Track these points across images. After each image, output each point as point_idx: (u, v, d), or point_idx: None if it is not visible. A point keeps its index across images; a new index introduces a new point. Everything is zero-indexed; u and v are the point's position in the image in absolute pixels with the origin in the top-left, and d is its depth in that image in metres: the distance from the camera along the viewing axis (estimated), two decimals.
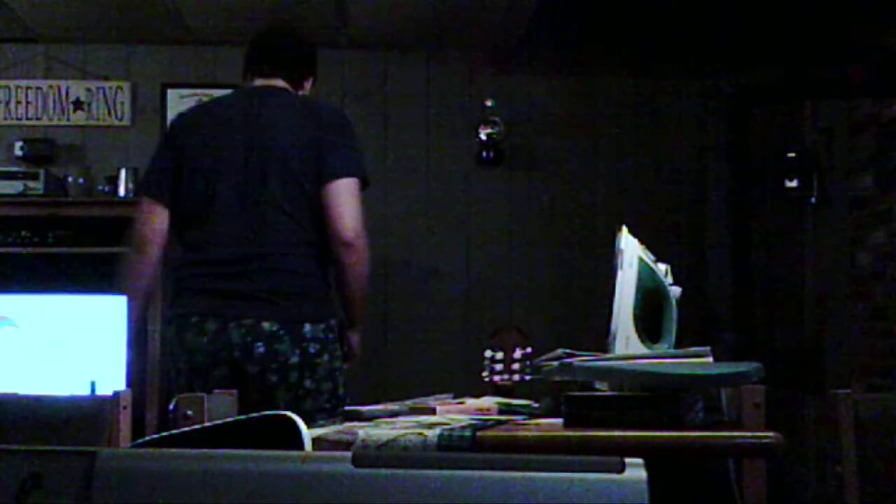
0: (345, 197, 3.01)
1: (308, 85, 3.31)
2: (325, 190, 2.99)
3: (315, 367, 3.02)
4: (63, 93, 5.29)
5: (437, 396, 2.38)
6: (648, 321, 2.17)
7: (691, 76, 5.46)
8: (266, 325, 2.97)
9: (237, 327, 2.98)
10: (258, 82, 3.22)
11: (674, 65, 5.43)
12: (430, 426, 1.82)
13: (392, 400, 2.36)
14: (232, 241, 3.05)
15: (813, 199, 5.10)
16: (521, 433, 1.81)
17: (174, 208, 3.11)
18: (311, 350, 3.01)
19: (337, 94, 5.39)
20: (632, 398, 1.86)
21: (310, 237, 3.06)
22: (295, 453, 0.95)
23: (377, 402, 2.31)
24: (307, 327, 3.01)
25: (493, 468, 0.88)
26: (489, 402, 2.22)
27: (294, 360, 2.99)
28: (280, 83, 3.21)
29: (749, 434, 1.81)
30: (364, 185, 3.11)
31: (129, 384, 4.43)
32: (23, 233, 4.85)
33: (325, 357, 3.04)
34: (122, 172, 4.96)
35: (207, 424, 1.11)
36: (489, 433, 1.77)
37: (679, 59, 5.39)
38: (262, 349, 2.97)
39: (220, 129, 3.12)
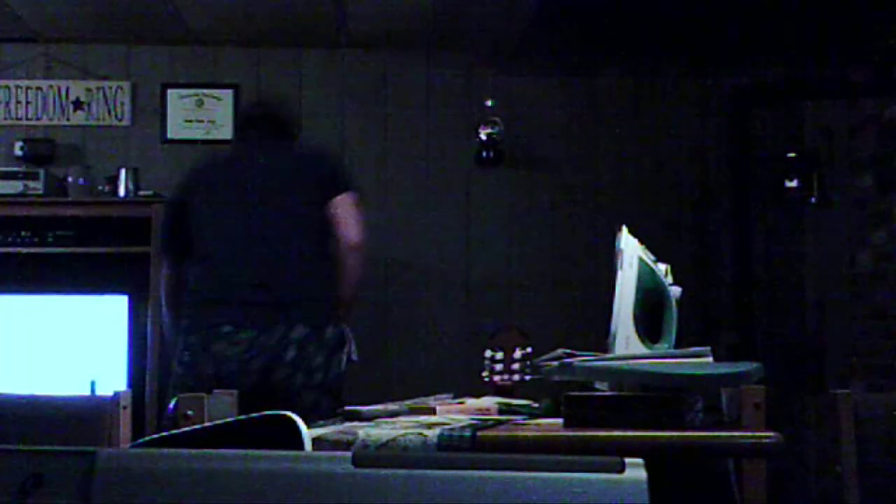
0: (349, 207, 3.40)
1: (297, 139, 3.75)
2: (330, 204, 3.37)
3: (330, 368, 3.29)
4: (63, 93, 5.29)
5: (437, 396, 2.38)
6: (648, 321, 2.17)
7: (691, 76, 5.46)
8: (296, 332, 3.24)
9: (269, 335, 3.23)
10: (252, 136, 3.62)
11: (674, 65, 5.43)
12: (430, 426, 1.82)
13: (392, 400, 2.36)
14: (245, 267, 3.34)
15: (813, 199, 5.10)
16: (521, 433, 1.81)
17: (190, 253, 3.43)
18: (330, 352, 3.30)
19: (337, 94, 5.39)
20: (632, 398, 1.86)
21: (316, 253, 3.36)
22: (295, 453, 0.95)
23: (377, 402, 2.31)
24: (329, 330, 3.30)
25: (493, 468, 0.88)
26: (489, 402, 2.22)
27: (319, 360, 3.26)
28: (271, 139, 3.60)
29: (749, 434, 1.81)
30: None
31: (129, 384, 4.43)
32: (23, 233, 4.85)
33: (340, 358, 3.33)
34: (122, 172, 4.95)
35: (207, 424, 1.11)
36: (489, 433, 1.77)
37: (679, 59, 5.39)
38: (293, 354, 3.23)
39: (224, 179, 3.49)
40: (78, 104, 5.29)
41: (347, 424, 1.98)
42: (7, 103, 5.26)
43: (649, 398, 1.83)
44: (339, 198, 3.39)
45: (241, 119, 3.78)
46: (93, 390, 3.48)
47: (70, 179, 5.03)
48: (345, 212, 3.39)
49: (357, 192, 3.50)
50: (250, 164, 3.50)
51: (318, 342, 3.26)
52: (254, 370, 3.22)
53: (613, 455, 0.88)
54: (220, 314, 3.27)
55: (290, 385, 3.22)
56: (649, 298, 2.17)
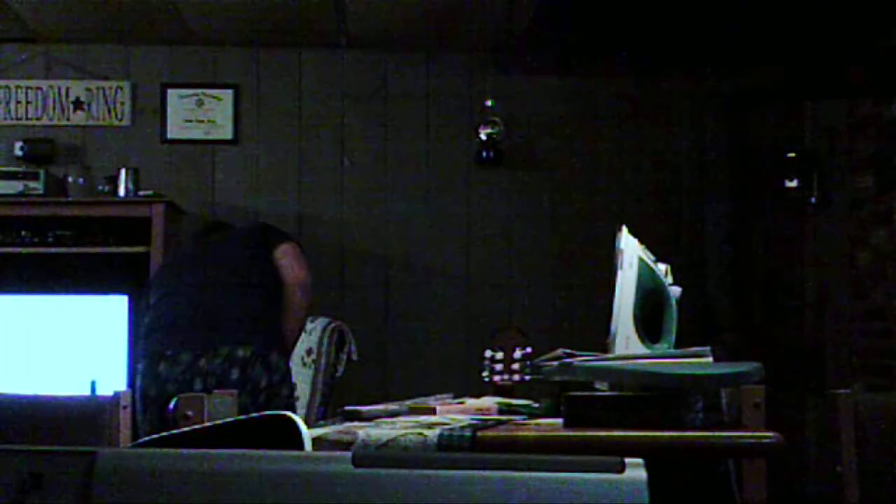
0: (291, 252, 3.73)
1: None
2: (275, 253, 3.69)
3: (277, 394, 3.46)
4: (63, 93, 5.28)
5: (437, 396, 2.38)
6: (648, 321, 2.17)
7: (691, 76, 5.46)
8: (240, 351, 3.42)
9: (213, 357, 3.40)
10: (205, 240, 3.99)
11: (673, 65, 5.43)
12: (430, 426, 1.82)
13: (392, 400, 2.36)
14: (193, 303, 3.60)
15: (813, 199, 5.09)
16: (521, 433, 1.81)
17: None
18: (276, 379, 3.47)
19: (337, 94, 5.39)
20: (632, 398, 1.86)
21: (262, 296, 3.62)
22: (295, 453, 0.95)
23: (377, 402, 2.31)
24: (274, 356, 3.47)
25: (493, 468, 0.88)
26: (489, 402, 2.22)
27: (264, 382, 3.42)
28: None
29: (749, 434, 1.81)
30: None
31: (129, 384, 4.43)
32: (23, 233, 4.85)
33: (285, 386, 3.52)
34: (122, 172, 4.95)
35: (207, 424, 1.10)
36: (489, 433, 1.77)
37: (679, 59, 5.39)
38: (237, 375, 3.39)
39: (181, 263, 3.88)
40: (78, 104, 5.29)
41: (347, 424, 1.98)
42: (7, 103, 5.26)
43: (649, 398, 1.83)
44: (280, 248, 3.72)
45: (194, 235, 4.25)
46: (93, 390, 3.48)
47: (70, 179, 5.02)
48: (288, 256, 3.70)
49: (295, 243, 3.82)
50: (203, 252, 3.86)
51: (263, 365, 3.43)
52: (196, 391, 3.34)
53: (613, 455, 0.88)
54: (164, 340, 3.50)
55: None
56: (649, 298, 2.17)
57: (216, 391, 2.35)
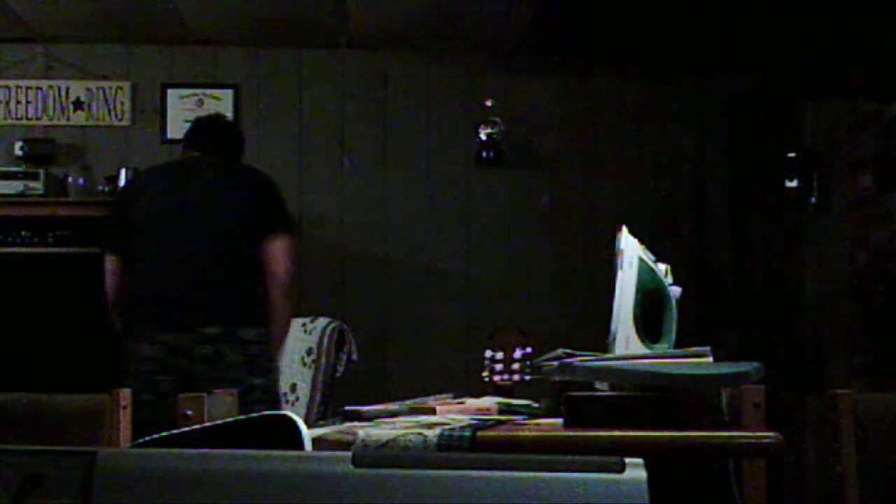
0: (282, 252, 3.52)
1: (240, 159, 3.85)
2: (263, 245, 3.49)
3: (253, 365, 3.39)
4: (63, 93, 5.29)
5: (437, 396, 2.37)
6: (648, 321, 2.17)
7: (691, 76, 5.46)
8: (209, 329, 3.36)
9: (184, 333, 3.36)
10: (196, 154, 3.72)
11: (674, 65, 5.43)
12: (430, 426, 1.82)
13: (392, 400, 2.36)
14: (172, 280, 3.47)
15: (813, 199, 5.09)
16: (521, 433, 1.81)
17: (124, 256, 3.58)
18: (252, 351, 3.40)
19: (337, 94, 5.40)
20: (632, 398, 1.86)
21: (241, 276, 3.49)
22: (295, 453, 0.95)
23: (377, 402, 2.31)
24: (246, 331, 3.40)
25: (493, 468, 0.88)
26: (489, 402, 2.22)
27: (235, 358, 3.36)
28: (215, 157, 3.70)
29: (749, 434, 1.81)
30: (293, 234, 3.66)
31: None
32: (23, 233, 4.85)
33: (262, 358, 3.45)
34: (122, 172, 4.96)
35: (207, 424, 1.10)
36: (489, 433, 1.77)
37: (679, 59, 5.39)
38: (208, 350, 3.35)
39: (158, 194, 3.62)
40: (78, 104, 5.29)
41: (347, 424, 1.98)
42: (7, 103, 5.26)
43: (649, 398, 1.83)
44: (276, 240, 3.53)
45: (189, 133, 3.84)
46: (94, 389, 3.48)
47: (70, 179, 5.03)
48: (277, 255, 3.52)
49: (292, 234, 3.64)
50: (195, 181, 3.62)
51: (233, 341, 3.37)
52: (173, 369, 3.36)
53: (613, 455, 0.88)
54: (145, 319, 3.44)
55: (211, 383, 3.32)
56: (649, 298, 2.17)
57: (216, 391, 2.35)
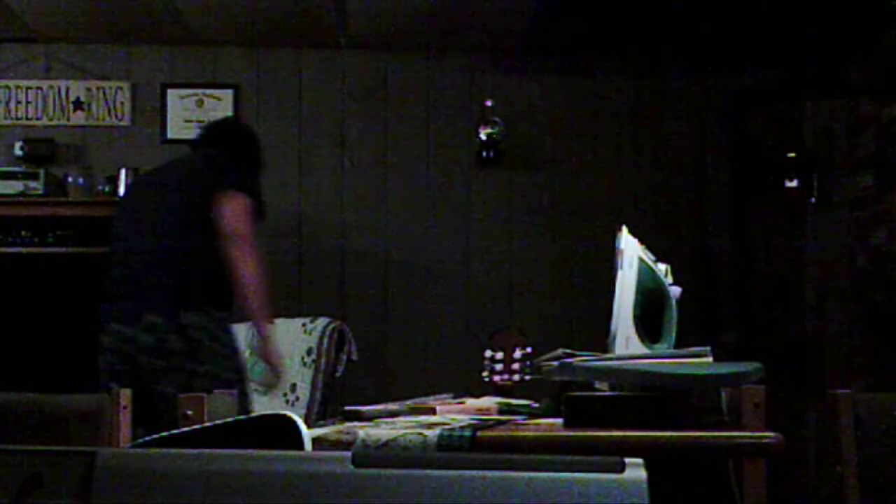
0: (228, 200, 3.45)
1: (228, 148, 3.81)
2: (215, 199, 3.45)
3: (197, 352, 3.37)
4: (63, 93, 5.29)
5: (437, 396, 2.38)
6: (648, 321, 2.16)
7: (691, 76, 5.46)
8: (150, 317, 3.37)
9: (130, 324, 3.39)
10: (187, 153, 3.85)
11: (674, 65, 5.43)
12: (430, 426, 1.82)
13: (392, 400, 2.36)
14: (129, 263, 3.53)
15: (813, 199, 5.09)
16: (521, 433, 1.81)
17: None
18: (194, 336, 3.38)
19: (337, 94, 5.39)
20: (632, 398, 1.86)
21: (191, 247, 3.47)
22: (295, 453, 0.95)
23: (377, 402, 2.31)
24: (188, 315, 3.38)
25: (493, 468, 0.88)
26: (489, 402, 2.22)
27: (178, 345, 3.36)
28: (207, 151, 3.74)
29: (749, 434, 1.81)
30: (256, 204, 3.55)
31: None
32: (23, 233, 4.85)
33: (209, 343, 3.40)
34: (122, 172, 4.95)
35: (207, 424, 1.10)
36: (489, 433, 1.77)
37: (679, 59, 5.39)
38: (150, 339, 3.36)
39: (133, 194, 3.79)
40: (78, 104, 5.29)
41: (347, 424, 1.98)
42: (7, 103, 5.26)
43: (649, 398, 1.83)
44: (225, 195, 3.45)
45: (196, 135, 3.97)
46: (94, 390, 3.49)
47: (70, 179, 5.03)
48: (227, 207, 3.43)
49: (248, 197, 3.51)
50: (166, 176, 3.69)
51: (174, 329, 3.36)
52: (125, 360, 3.41)
53: (613, 455, 0.88)
54: (108, 309, 3.49)
55: (154, 369, 3.37)
56: (649, 298, 2.17)
57: (216, 391, 2.35)
